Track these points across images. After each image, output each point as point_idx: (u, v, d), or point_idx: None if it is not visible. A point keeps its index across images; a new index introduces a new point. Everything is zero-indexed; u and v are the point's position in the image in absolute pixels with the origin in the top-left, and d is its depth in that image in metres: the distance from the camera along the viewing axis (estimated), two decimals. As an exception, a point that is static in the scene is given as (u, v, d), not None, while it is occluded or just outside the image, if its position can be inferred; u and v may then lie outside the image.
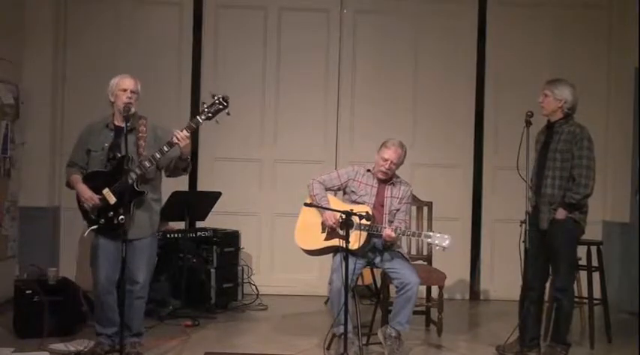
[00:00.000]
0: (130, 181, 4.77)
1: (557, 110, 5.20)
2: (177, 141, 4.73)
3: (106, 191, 4.83)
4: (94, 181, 4.89)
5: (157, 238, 5.19)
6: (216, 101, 4.79)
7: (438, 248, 5.14)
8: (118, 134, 4.93)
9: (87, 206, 4.88)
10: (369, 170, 5.42)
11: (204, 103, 4.84)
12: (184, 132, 4.75)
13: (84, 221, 4.98)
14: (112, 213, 4.82)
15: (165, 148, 4.78)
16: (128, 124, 4.76)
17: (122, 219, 4.68)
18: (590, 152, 5.12)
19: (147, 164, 4.80)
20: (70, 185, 5.03)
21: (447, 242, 5.06)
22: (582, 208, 5.16)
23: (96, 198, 4.84)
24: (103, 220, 4.86)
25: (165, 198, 6.22)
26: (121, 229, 4.71)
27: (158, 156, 4.79)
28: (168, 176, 5.08)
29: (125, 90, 4.89)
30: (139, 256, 4.90)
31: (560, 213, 5.12)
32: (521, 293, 5.36)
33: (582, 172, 5.08)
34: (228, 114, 4.81)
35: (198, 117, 4.81)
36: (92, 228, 4.89)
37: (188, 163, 4.95)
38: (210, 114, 4.79)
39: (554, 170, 5.16)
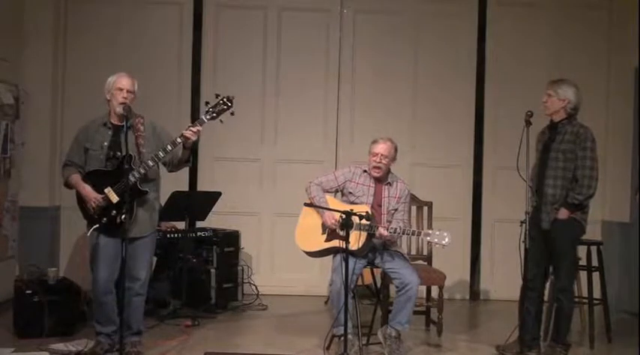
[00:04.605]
0: (133, 180, 4.78)
1: (560, 110, 5.20)
2: (189, 135, 4.76)
3: (108, 190, 4.83)
4: (95, 180, 4.88)
5: (156, 236, 5.20)
6: (220, 101, 4.81)
7: (437, 245, 5.14)
8: (116, 132, 4.94)
9: (90, 206, 4.87)
10: (365, 170, 5.43)
11: (207, 103, 4.85)
12: (196, 126, 4.78)
13: (84, 220, 4.97)
14: (114, 212, 4.83)
15: (169, 147, 4.80)
16: (126, 124, 4.76)
17: (125, 217, 4.68)
18: (593, 153, 5.12)
19: (150, 163, 4.81)
20: (68, 185, 5.02)
21: (447, 239, 5.06)
22: (584, 208, 5.17)
23: (99, 198, 4.84)
24: (105, 219, 4.86)
25: (165, 198, 6.25)
26: (123, 228, 4.71)
27: (162, 155, 4.81)
28: (170, 171, 5.09)
29: (121, 90, 4.89)
30: (140, 254, 4.92)
31: (563, 213, 5.12)
32: (520, 293, 5.37)
33: (586, 173, 5.08)
34: (232, 114, 4.84)
35: (202, 117, 4.83)
36: (95, 227, 4.89)
37: (190, 151, 4.97)
38: (214, 114, 4.81)
39: (556, 170, 5.16)
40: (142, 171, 4.80)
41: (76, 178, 4.95)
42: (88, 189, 4.87)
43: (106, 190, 4.83)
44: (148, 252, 5.05)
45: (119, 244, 4.77)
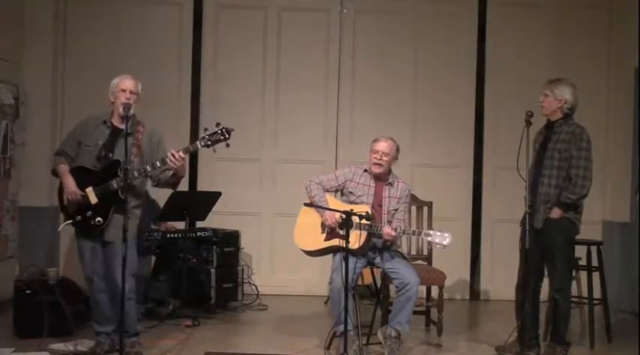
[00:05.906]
0: (115, 186, 4.75)
1: (557, 110, 5.20)
2: (172, 162, 4.72)
3: (89, 190, 4.83)
4: (80, 177, 4.88)
5: (135, 243, 5.03)
6: (218, 131, 4.77)
7: (438, 246, 5.14)
8: (114, 133, 4.94)
9: (66, 198, 4.87)
10: (365, 170, 5.43)
11: (206, 130, 4.82)
12: (180, 153, 4.74)
13: (60, 212, 4.98)
14: (90, 212, 4.82)
15: (158, 164, 4.78)
16: (127, 126, 4.74)
17: (99, 221, 4.68)
18: (588, 153, 5.11)
19: (136, 174, 4.78)
20: (55, 173, 5.02)
21: (448, 240, 5.06)
22: (577, 208, 5.16)
23: (78, 194, 4.84)
24: (79, 217, 4.85)
25: (165, 198, 6.25)
26: (97, 231, 4.73)
27: (149, 169, 4.79)
28: (154, 186, 5.07)
29: (124, 91, 4.90)
30: (117, 259, 4.75)
31: (555, 212, 5.11)
32: (515, 294, 5.37)
33: (579, 173, 5.08)
34: (227, 145, 4.80)
35: (197, 143, 4.81)
36: (67, 222, 4.89)
37: (179, 180, 4.95)
38: (209, 142, 4.77)
39: (551, 169, 5.16)
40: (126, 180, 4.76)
41: (63, 168, 4.95)
42: (70, 182, 4.86)
43: (87, 189, 4.83)
44: (128, 258, 4.91)
45: (97, 245, 4.82)
